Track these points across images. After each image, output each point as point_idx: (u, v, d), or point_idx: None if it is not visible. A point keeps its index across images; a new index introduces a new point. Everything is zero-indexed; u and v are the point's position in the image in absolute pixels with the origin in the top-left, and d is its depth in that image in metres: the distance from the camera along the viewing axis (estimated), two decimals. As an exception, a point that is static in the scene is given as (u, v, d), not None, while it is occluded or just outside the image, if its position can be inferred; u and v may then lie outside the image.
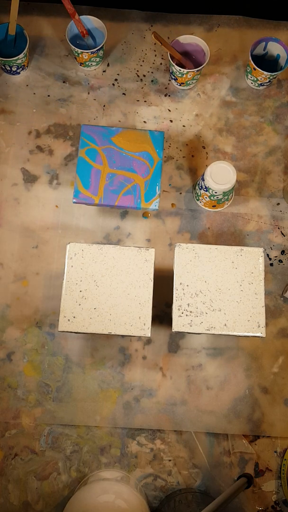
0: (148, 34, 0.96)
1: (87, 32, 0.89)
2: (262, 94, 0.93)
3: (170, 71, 0.91)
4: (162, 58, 0.95)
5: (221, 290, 0.69)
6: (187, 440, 0.79)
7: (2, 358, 0.81)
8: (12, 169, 0.88)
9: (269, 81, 0.90)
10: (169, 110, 0.92)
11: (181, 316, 0.68)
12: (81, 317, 0.67)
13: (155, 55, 0.95)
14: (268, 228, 0.87)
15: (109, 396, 0.80)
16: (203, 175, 0.80)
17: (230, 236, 0.86)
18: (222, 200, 0.83)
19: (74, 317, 0.67)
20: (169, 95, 0.93)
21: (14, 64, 0.89)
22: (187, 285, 0.69)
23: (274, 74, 0.87)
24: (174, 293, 0.69)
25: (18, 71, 0.91)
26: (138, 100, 0.93)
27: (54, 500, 0.77)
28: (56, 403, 0.79)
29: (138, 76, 0.94)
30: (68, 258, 0.70)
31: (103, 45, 0.88)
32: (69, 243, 0.71)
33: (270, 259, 0.86)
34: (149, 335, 0.67)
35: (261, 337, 0.67)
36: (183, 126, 0.92)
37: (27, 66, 0.93)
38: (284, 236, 0.87)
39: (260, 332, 0.67)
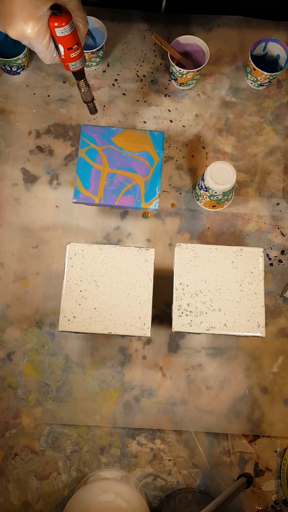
0: (148, 34, 0.96)
1: (87, 32, 0.89)
2: (262, 94, 0.93)
3: (170, 71, 0.91)
4: (162, 58, 0.95)
5: (221, 290, 0.69)
6: (187, 440, 0.79)
7: (2, 358, 0.81)
8: (12, 169, 0.88)
9: (269, 81, 0.90)
10: (169, 110, 0.92)
11: (181, 316, 0.68)
12: (81, 317, 0.67)
13: (155, 55, 0.95)
14: (268, 228, 0.87)
15: (109, 396, 0.80)
16: (203, 175, 0.80)
17: (230, 236, 0.87)
18: (222, 200, 0.83)
19: (74, 317, 0.68)
20: (169, 95, 0.93)
21: (14, 64, 0.89)
22: (187, 285, 0.69)
23: (274, 74, 0.87)
24: (174, 293, 0.69)
25: (18, 71, 0.91)
26: (138, 100, 0.93)
27: (54, 500, 0.77)
28: (56, 403, 0.79)
29: (138, 76, 0.94)
30: (68, 258, 0.70)
31: (103, 45, 0.88)
32: (69, 243, 0.71)
33: (270, 259, 0.86)
34: (149, 335, 0.67)
35: (261, 337, 0.68)
36: (183, 126, 0.92)
37: (27, 66, 0.93)
38: (284, 236, 0.87)
39: (260, 332, 0.67)
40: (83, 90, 0.72)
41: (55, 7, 0.56)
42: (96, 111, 0.78)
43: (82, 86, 0.71)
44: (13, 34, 0.56)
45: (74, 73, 0.68)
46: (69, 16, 0.57)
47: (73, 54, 0.62)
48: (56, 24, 0.57)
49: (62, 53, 0.61)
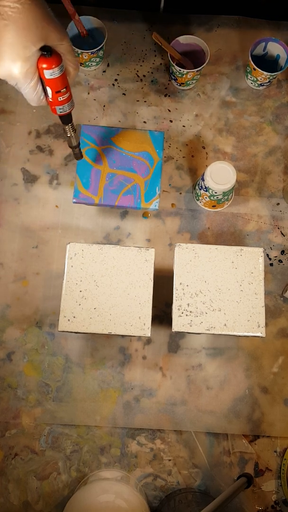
0: (148, 34, 0.96)
1: (87, 32, 0.89)
2: (262, 94, 0.93)
3: (170, 71, 0.91)
4: (162, 58, 0.95)
5: (221, 290, 0.69)
6: (187, 440, 0.79)
7: (2, 358, 0.81)
8: (12, 169, 0.88)
9: (269, 81, 0.90)
10: (169, 110, 0.92)
11: (181, 316, 0.68)
12: (81, 317, 0.67)
13: (155, 55, 0.95)
14: (268, 228, 0.87)
15: (109, 396, 0.80)
16: (203, 175, 0.80)
17: (230, 236, 0.87)
18: (222, 200, 0.83)
19: (74, 317, 0.67)
20: (169, 95, 0.93)
21: (14, 64, 0.89)
22: (187, 285, 0.69)
23: (274, 74, 0.87)
24: (174, 293, 0.69)
25: (18, 71, 0.91)
26: (138, 100, 0.93)
27: (54, 500, 0.77)
28: (56, 403, 0.79)
29: (138, 76, 0.94)
30: (68, 258, 0.70)
31: (103, 45, 0.88)
32: (69, 243, 0.71)
33: (270, 259, 0.86)
34: (149, 335, 0.67)
35: (261, 337, 0.68)
36: (183, 126, 0.92)
37: (27, 66, 0.92)
38: (284, 236, 0.87)
39: (260, 332, 0.67)
40: (69, 135, 0.70)
41: (45, 49, 0.54)
42: (81, 157, 0.76)
43: (68, 130, 0.69)
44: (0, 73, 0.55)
45: (61, 117, 0.65)
46: (59, 58, 0.56)
47: (61, 97, 0.60)
48: (45, 65, 0.55)
49: (50, 96, 0.59)
